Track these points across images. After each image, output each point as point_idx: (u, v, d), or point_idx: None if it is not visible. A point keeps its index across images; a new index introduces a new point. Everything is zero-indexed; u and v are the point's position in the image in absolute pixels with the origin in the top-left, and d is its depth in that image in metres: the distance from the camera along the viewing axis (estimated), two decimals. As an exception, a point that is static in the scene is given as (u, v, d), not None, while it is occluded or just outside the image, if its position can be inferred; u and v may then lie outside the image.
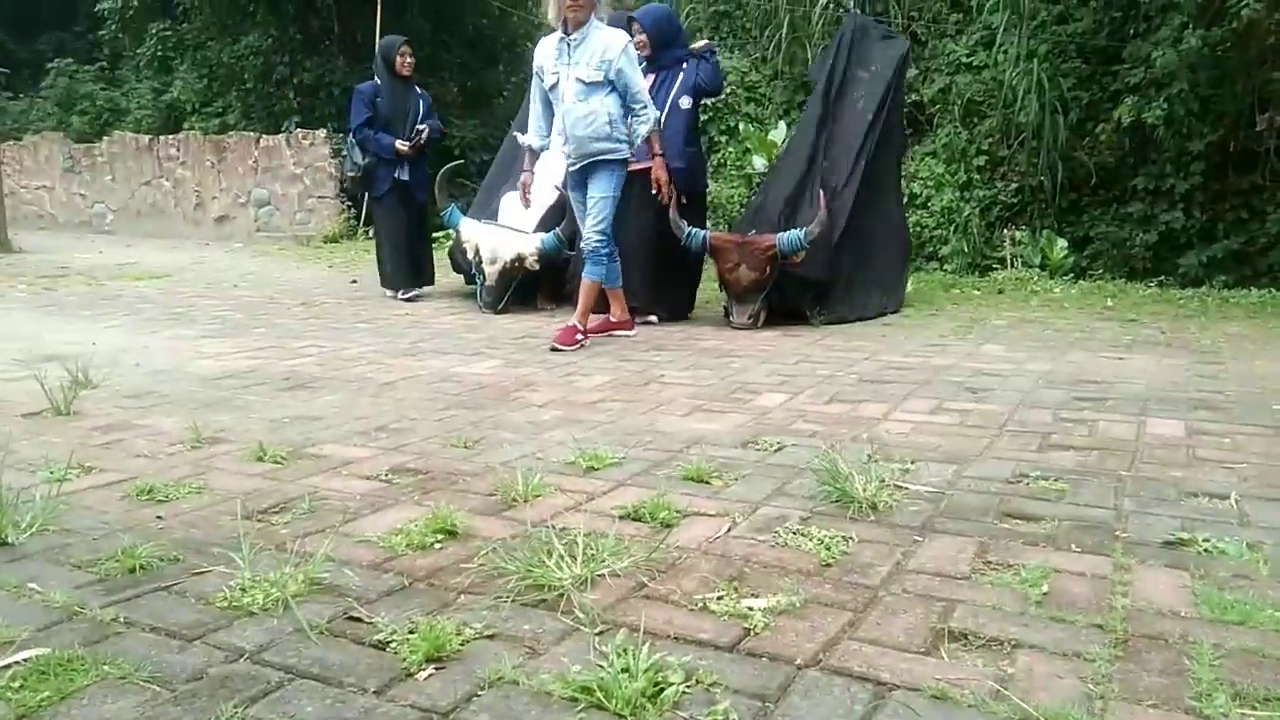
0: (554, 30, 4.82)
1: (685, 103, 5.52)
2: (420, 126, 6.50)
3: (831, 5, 9.78)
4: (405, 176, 6.54)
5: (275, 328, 5.25)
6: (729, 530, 2.06)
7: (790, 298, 5.39)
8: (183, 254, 10.55)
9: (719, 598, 1.69)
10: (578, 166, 4.79)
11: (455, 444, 2.81)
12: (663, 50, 5.53)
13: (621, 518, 2.14)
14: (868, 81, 6.04)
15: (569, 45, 4.60)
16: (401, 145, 6.42)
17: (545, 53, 4.74)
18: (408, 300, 6.53)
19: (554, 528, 2.01)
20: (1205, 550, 1.91)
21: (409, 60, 6.52)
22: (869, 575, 1.81)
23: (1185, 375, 3.91)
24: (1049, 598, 1.69)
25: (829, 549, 1.93)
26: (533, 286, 6.13)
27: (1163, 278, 7.51)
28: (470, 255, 6.04)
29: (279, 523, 2.12)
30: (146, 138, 13.80)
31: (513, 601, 1.67)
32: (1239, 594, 1.70)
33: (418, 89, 6.69)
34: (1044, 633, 1.55)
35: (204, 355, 4.35)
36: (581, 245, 4.96)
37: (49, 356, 4.15)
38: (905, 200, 8.86)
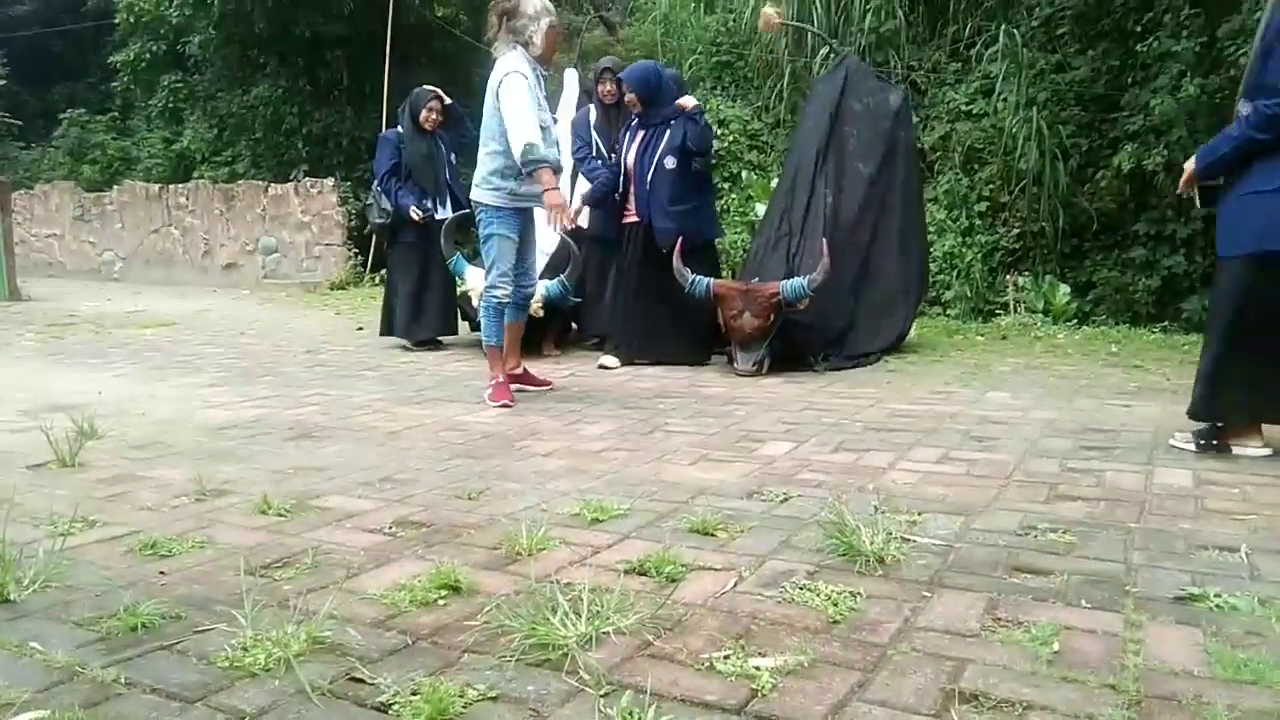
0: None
1: (670, 162, 5.56)
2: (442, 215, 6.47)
3: (832, 55, 9.91)
4: (442, 214, 6.43)
5: (281, 376, 5.26)
6: (735, 585, 2.05)
7: (795, 344, 5.41)
8: (190, 301, 10.61)
9: (726, 657, 1.67)
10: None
11: (460, 495, 2.80)
12: (652, 109, 5.58)
13: (627, 572, 2.12)
14: (860, 114, 6.08)
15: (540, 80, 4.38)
16: (415, 214, 6.39)
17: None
18: (419, 346, 6.51)
19: (558, 583, 2.00)
20: (1217, 606, 1.89)
21: (435, 116, 6.54)
22: (878, 633, 1.79)
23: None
24: (1060, 656, 1.67)
25: (836, 605, 1.91)
26: (538, 332, 6.14)
27: (1166, 323, 7.51)
28: (475, 302, 6.07)
29: (282, 578, 2.11)
30: (156, 186, 13.97)
31: (517, 661, 1.66)
32: (1252, 652, 1.68)
33: (437, 135, 6.69)
34: (1056, 693, 1.53)
35: (210, 404, 4.36)
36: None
37: (55, 406, 4.16)
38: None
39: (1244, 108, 3.19)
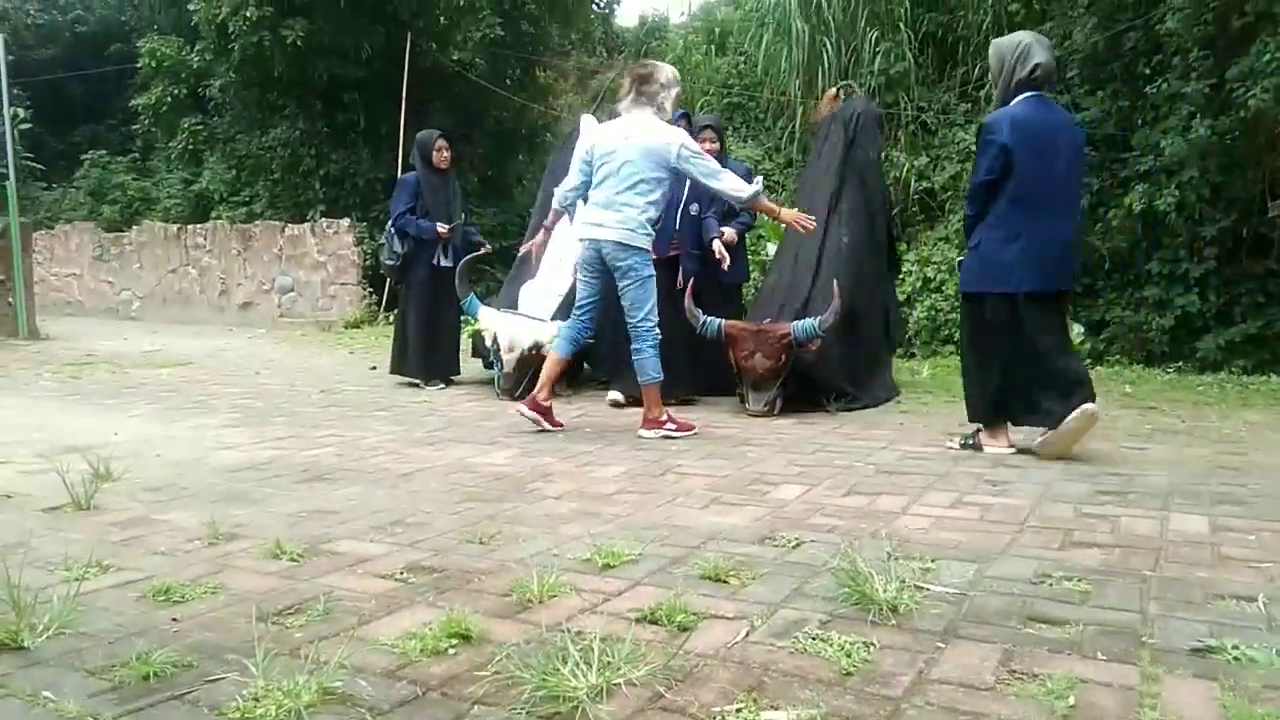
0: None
1: (694, 209, 5.83)
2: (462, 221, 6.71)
3: (842, 97, 10.00)
4: (448, 262, 6.61)
5: (295, 416, 5.29)
6: (747, 635, 2.04)
7: (810, 383, 5.42)
8: (206, 340, 10.71)
9: (738, 710, 1.66)
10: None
11: (471, 540, 2.80)
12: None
13: (638, 620, 2.11)
14: (864, 164, 6.15)
15: None
16: (443, 228, 6.56)
17: None
18: (429, 385, 6.57)
19: (569, 631, 1.99)
20: (1234, 658, 1.87)
21: (446, 154, 6.68)
22: (891, 685, 1.77)
23: (1207, 467, 3.87)
24: (1076, 711, 1.65)
25: (850, 656, 1.89)
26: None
27: (1180, 363, 7.48)
28: (489, 342, 6.13)
29: (293, 625, 2.11)
30: (175, 227, 14.17)
31: (527, 713, 1.65)
32: (1270, 706, 1.65)
33: (449, 176, 6.84)
34: (1071, 749, 1.51)
35: (224, 446, 4.38)
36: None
37: (71, 448, 4.19)
38: (920, 284, 8.95)
39: None
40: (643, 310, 4.62)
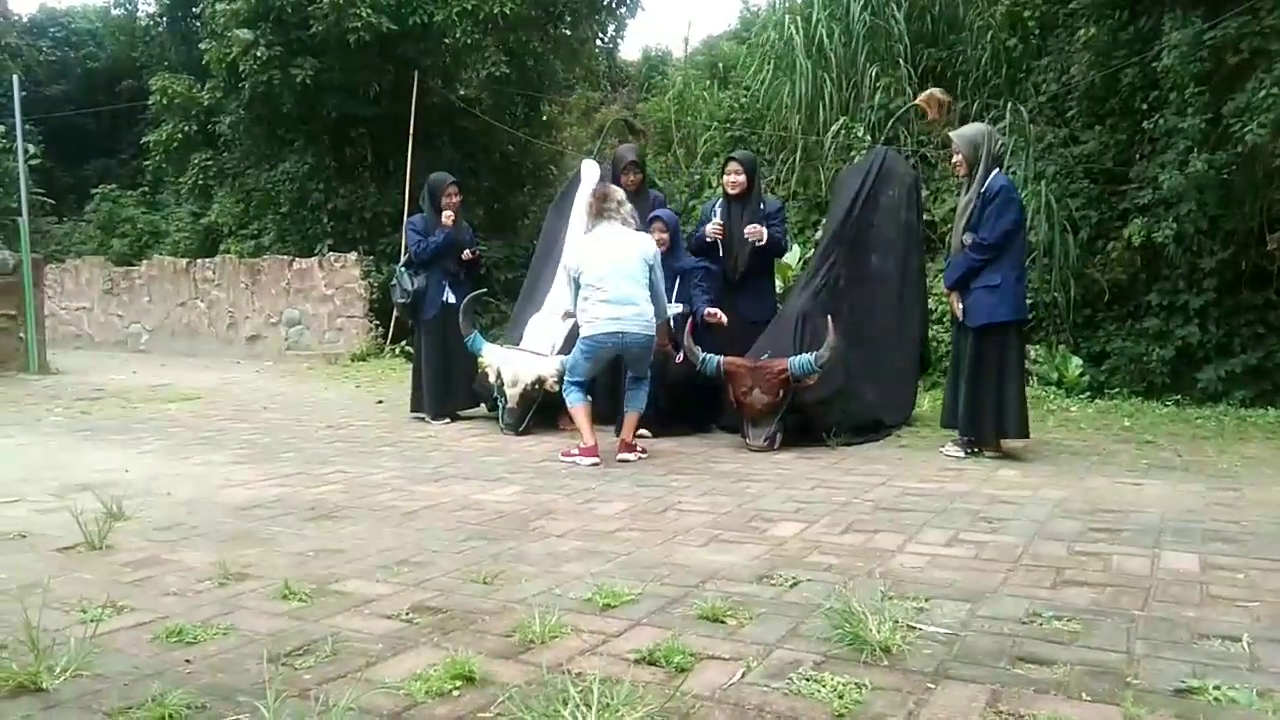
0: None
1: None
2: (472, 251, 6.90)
3: (843, 132, 10.16)
4: (453, 299, 6.70)
5: (302, 452, 5.37)
6: (743, 676, 2.09)
7: (807, 419, 5.49)
8: (214, 373, 10.81)
9: (730, 751, 1.72)
10: None
11: (475, 579, 2.87)
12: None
13: (637, 661, 2.17)
14: (884, 207, 6.29)
15: None
16: (467, 254, 6.81)
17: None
18: (437, 420, 6.64)
19: (570, 673, 2.05)
20: (1215, 699, 1.92)
21: (455, 199, 6.79)
22: (879, 726, 1.83)
23: (1201, 503, 3.92)
24: (1058, 752, 1.70)
25: (842, 698, 1.95)
26: (555, 408, 6.24)
27: (1179, 396, 7.52)
28: (492, 379, 6.21)
29: (303, 667, 2.17)
30: (184, 261, 14.33)
31: (528, 755, 1.71)
32: (1249, 747, 1.71)
33: (462, 221, 6.97)
34: (1052, 790, 1.57)
35: (233, 483, 4.45)
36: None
37: (83, 486, 4.27)
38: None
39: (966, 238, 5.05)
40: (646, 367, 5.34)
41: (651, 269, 5.16)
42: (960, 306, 5.07)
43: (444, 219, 6.66)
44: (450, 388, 6.77)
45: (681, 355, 5.80)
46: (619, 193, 5.42)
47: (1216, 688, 1.96)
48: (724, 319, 5.86)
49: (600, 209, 5.27)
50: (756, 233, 6.10)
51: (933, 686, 2.02)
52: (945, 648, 2.25)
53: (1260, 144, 6.86)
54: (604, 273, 5.07)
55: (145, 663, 2.19)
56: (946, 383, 5.42)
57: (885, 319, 6.21)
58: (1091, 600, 2.61)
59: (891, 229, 6.37)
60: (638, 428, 5.38)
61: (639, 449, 5.24)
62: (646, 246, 5.22)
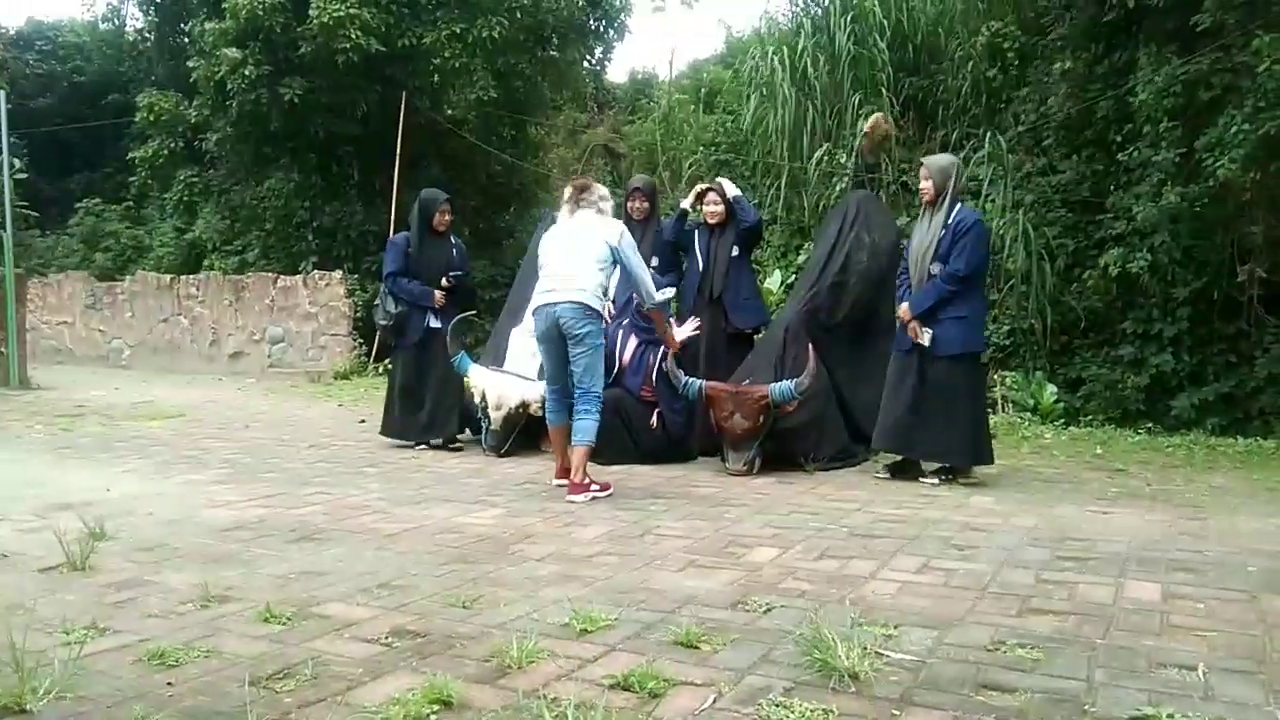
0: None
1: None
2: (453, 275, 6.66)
3: (826, 157, 10.31)
4: (437, 324, 6.53)
5: (284, 473, 5.39)
6: (714, 702, 2.15)
7: (785, 445, 5.56)
8: (196, 391, 10.79)
9: (699, 776, 1.77)
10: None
11: (454, 603, 2.91)
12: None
13: (611, 687, 2.22)
14: (867, 245, 6.36)
15: None
16: (445, 283, 6.53)
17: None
18: (417, 445, 6.59)
19: (545, 698, 2.10)
20: (1168, 728, 1.99)
21: (447, 218, 6.69)
22: (844, 752, 1.89)
23: (1167, 532, 4.01)
24: (1014, 778, 1.77)
25: (808, 723, 2.01)
26: (537, 431, 6.27)
27: (1153, 423, 7.65)
28: (477, 400, 6.24)
29: (283, 690, 2.21)
30: (168, 277, 14.31)
31: (503, 779, 1.76)
32: (1197, 774, 1.78)
33: (452, 239, 6.84)
34: (1006, 815, 1.63)
35: (214, 503, 4.47)
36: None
37: (65, 505, 4.28)
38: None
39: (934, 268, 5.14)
40: (594, 376, 4.83)
41: (617, 250, 4.85)
42: (927, 335, 5.08)
43: (436, 296, 6.53)
44: (422, 415, 6.56)
45: (656, 421, 5.84)
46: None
47: (1170, 716, 2.04)
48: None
49: (577, 199, 5.07)
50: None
51: (898, 713, 2.08)
52: (911, 675, 2.32)
53: (1232, 178, 7.03)
54: (555, 255, 4.94)
55: (128, 685, 2.23)
56: (884, 405, 5.27)
57: (870, 348, 6.26)
58: (1055, 628, 2.68)
59: (875, 266, 6.41)
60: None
61: (594, 485, 4.72)
62: (611, 229, 4.93)
